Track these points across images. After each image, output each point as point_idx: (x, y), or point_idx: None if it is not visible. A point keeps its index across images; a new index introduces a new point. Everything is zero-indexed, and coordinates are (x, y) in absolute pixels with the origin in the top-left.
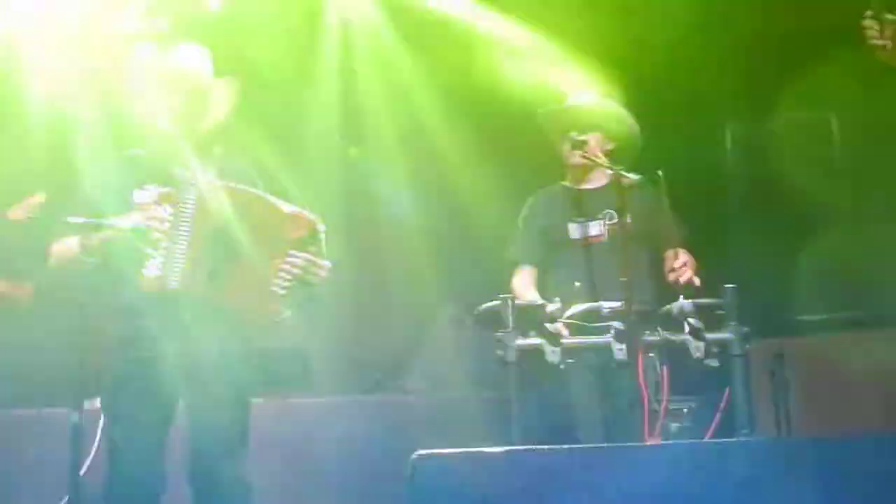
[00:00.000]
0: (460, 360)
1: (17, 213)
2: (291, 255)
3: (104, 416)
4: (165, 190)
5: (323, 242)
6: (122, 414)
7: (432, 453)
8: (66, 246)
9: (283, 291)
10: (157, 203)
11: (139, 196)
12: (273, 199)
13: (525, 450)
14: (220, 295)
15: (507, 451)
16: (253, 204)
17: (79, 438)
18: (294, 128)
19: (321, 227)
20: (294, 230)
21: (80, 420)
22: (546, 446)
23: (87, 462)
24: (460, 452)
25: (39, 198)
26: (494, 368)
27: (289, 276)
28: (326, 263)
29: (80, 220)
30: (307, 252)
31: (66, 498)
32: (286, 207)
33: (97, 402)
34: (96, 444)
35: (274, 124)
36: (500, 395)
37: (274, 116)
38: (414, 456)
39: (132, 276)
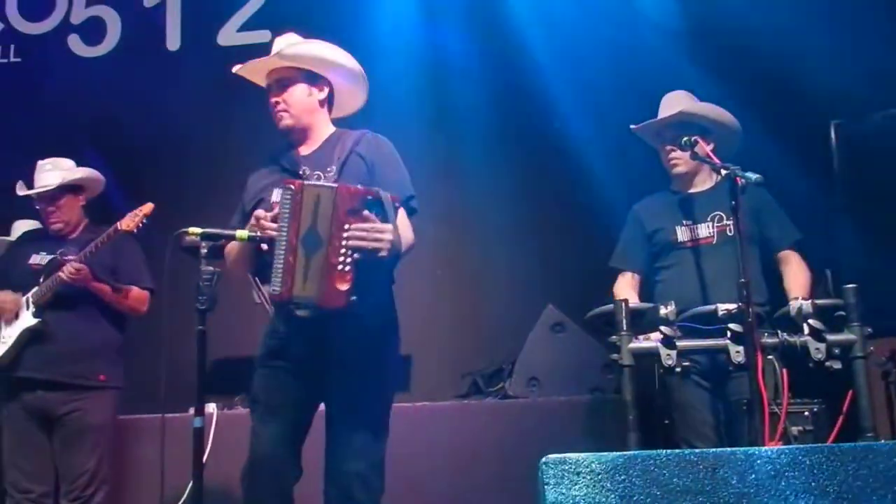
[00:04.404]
0: (560, 364)
1: (127, 223)
2: (346, 229)
3: (250, 408)
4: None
5: (386, 207)
6: (258, 411)
7: (563, 456)
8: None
9: (347, 267)
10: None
11: (276, 195)
12: (328, 182)
13: (663, 454)
14: (311, 293)
15: (640, 455)
16: (318, 193)
17: (201, 438)
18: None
19: (379, 193)
20: (344, 203)
21: (203, 423)
22: (681, 450)
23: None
24: (591, 455)
25: (148, 208)
26: (593, 372)
27: (349, 250)
28: (387, 226)
29: (199, 230)
30: (362, 220)
31: (190, 485)
32: (335, 184)
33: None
34: (210, 443)
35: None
36: (599, 399)
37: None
38: (544, 459)
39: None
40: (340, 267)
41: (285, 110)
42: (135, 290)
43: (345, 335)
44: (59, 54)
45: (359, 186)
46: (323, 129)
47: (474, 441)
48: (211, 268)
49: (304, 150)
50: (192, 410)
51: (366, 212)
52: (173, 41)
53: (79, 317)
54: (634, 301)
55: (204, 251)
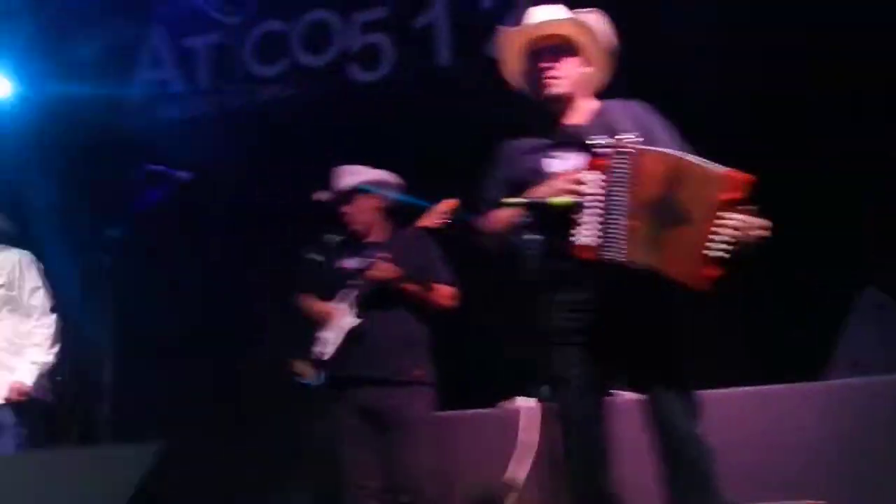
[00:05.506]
0: (885, 345)
1: (428, 220)
2: (722, 217)
3: (553, 390)
4: (591, 158)
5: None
6: (565, 392)
7: None
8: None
9: (718, 255)
10: (583, 170)
11: (552, 165)
12: (695, 157)
13: None
14: (659, 264)
15: None
16: (677, 165)
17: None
18: None
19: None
20: (724, 191)
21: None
22: None
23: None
24: None
25: (451, 203)
26: None
27: (724, 239)
28: (764, 222)
29: (521, 199)
30: (740, 212)
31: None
32: (713, 166)
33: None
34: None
35: None
36: None
37: None
38: None
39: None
40: (709, 252)
41: (560, 77)
42: (441, 287)
43: (647, 304)
44: (338, 83)
45: (741, 176)
46: (584, 102)
47: (804, 425)
48: (535, 236)
49: (571, 121)
50: (510, 401)
51: (743, 207)
52: (445, 57)
53: (392, 315)
54: None
55: (525, 219)
